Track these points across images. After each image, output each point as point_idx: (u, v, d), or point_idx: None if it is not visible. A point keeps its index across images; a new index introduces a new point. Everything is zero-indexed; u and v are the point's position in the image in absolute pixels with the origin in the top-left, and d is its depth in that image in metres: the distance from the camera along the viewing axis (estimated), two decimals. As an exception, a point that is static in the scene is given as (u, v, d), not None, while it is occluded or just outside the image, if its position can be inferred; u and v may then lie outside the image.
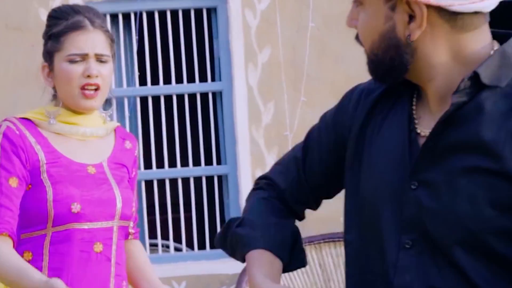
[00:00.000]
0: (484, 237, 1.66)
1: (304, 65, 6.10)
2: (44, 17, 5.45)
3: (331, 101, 5.67)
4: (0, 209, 2.68)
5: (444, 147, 1.72)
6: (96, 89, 2.81)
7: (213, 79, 6.22)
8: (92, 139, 2.86)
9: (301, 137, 4.54)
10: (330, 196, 2.00)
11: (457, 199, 1.68)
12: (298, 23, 6.08)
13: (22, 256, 2.71)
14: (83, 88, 2.80)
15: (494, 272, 1.66)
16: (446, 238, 1.69)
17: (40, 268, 2.68)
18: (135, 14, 6.01)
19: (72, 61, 2.84)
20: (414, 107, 1.79)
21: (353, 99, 1.91)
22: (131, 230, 3.04)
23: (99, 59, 2.84)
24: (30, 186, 2.72)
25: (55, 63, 2.87)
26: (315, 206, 1.99)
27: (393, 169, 1.77)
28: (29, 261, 2.69)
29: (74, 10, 2.91)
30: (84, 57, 2.81)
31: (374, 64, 1.77)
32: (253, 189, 2.02)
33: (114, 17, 6.01)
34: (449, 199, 1.68)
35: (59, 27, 2.83)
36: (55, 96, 2.85)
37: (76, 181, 2.72)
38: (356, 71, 5.49)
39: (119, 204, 2.76)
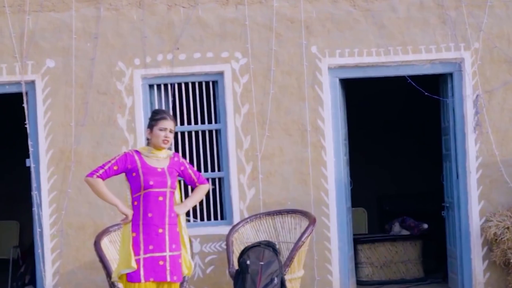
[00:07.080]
0: None
1: (267, 114, 8.09)
2: (119, 86, 8.37)
3: (283, 135, 8.89)
4: (103, 173, 5.78)
5: None
6: (167, 142, 5.85)
7: (216, 122, 8.34)
8: (161, 159, 5.92)
9: (266, 157, 8.08)
10: None
11: None
12: (264, 90, 8.10)
13: (133, 204, 5.75)
14: (163, 141, 5.84)
15: None
16: None
17: (139, 208, 5.76)
18: (171, 84, 8.35)
19: (161, 130, 5.82)
20: None
21: None
22: (197, 181, 5.96)
23: (170, 131, 5.82)
24: (134, 174, 5.80)
25: (153, 130, 5.81)
26: None
27: None
28: (136, 206, 5.76)
29: (163, 111, 5.88)
30: (165, 129, 5.82)
31: None
32: None
33: (158, 86, 8.35)
34: None
35: (157, 116, 5.87)
36: (148, 141, 5.97)
37: (152, 173, 5.88)
38: (298, 119, 8.15)
39: (168, 183, 5.87)
